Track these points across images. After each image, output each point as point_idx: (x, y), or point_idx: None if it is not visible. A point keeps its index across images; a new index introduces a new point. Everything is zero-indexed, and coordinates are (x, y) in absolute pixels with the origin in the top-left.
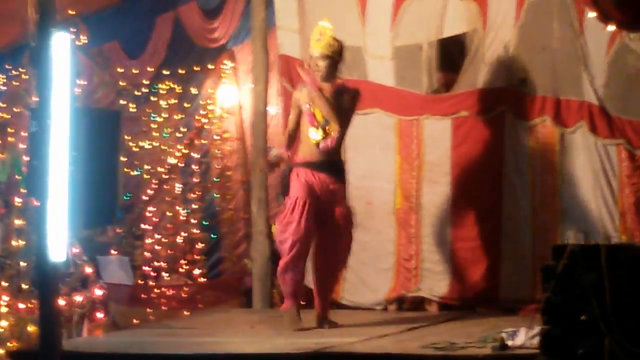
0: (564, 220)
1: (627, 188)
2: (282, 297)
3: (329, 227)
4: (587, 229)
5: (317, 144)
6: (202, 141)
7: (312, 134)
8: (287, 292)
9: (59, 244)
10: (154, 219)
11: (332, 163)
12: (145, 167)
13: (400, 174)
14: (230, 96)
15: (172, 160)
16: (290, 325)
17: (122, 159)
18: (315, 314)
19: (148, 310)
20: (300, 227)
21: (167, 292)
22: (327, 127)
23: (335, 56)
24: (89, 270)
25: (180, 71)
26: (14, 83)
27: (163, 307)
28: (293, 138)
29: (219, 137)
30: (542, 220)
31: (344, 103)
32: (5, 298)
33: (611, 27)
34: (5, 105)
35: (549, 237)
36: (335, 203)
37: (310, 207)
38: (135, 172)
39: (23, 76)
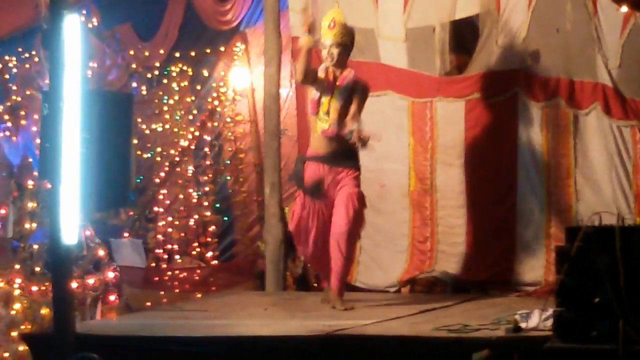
0: (579, 202)
1: None
2: (296, 279)
3: (337, 209)
4: (601, 210)
5: (324, 133)
6: (214, 124)
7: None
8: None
9: (72, 226)
10: (167, 201)
11: (341, 151)
12: (158, 149)
13: (413, 156)
14: (243, 78)
15: (184, 143)
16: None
17: (134, 141)
18: (329, 294)
19: (161, 292)
20: (318, 231)
21: (180, 275)
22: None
23: (348, 43)
24: (101, 253)
25: (192, 53)
26: (26, 66)
27: (176, 290)
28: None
29: (231, 120)
30: (557, 202)
31: (358, 97)
32: (18, 281)
33: (624, 8)
34: (17, 88)
35: (563, 219)
36: (343, 187)
37: (322, 211)
38: (148, 155)
39: (35, 59)
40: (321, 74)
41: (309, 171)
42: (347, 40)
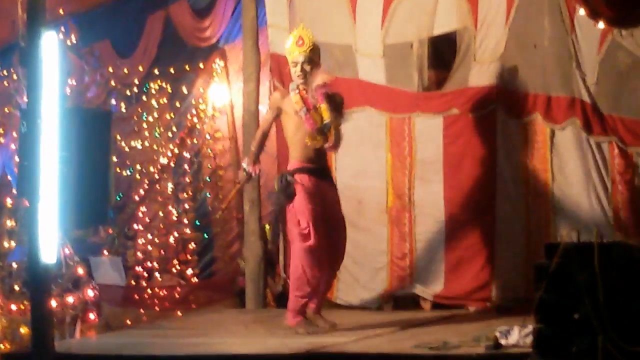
0: (557, 218)
1: (620, 185)
2: (276, 297)
3: (339, 232)
4: (580, 226)
5: (320, 147)
6: (194, 141)
7: (313, 138)
8: (300, 308)
9: (51, 244)
10: (146, 219)
11: (326, 167)
12: (137, 167)
13: (392, 172)
14: (222, 95)
15: (163, 160)
16: (307, 331)
17: (114, 159)
18: (308, 312)
19: (141, 311)
20: (323, 242)
21: (160, 293)
22: (327, 132)
23: (317, 59)
24: (80, 271)
25: (171, 70)
26: (4, 83)
27: (156, 308)
28: (265, 139)
29: (210, 137)
30: (535, 218)
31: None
32: None
33: (601, 24)
34: None
35: (541, 234)
36: (338, 209)
37: (324, 216)
38: (127, 172)
39: (13, 76)
40: (294, 95)
41: (306, 180)
42: (316, 56)
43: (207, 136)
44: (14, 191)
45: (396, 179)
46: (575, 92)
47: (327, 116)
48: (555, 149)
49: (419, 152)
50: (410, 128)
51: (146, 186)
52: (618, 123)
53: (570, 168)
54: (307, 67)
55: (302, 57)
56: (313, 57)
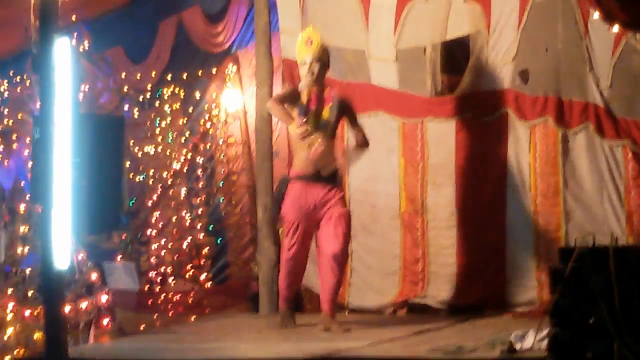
0: (568, 222)
1: (634, 189)
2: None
3: (326, 230)
4: (592, 230)
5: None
6: (207, 146)
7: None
8: (284, 295)
9: (64, 250)
10: (159, 224)
11: (326, 170)
12: (150, 172)
13: (404, 177)
14: (235, 100)
15: (176, 165)
16: (281, 324)
17: (127, 164)
18: (322, 316)
19: (154, 316)
20: (293, 248)
21: (174, 298)
22: (322, 131)
23: (326, 60)
24: (94, 276)
25: (184, 76)
26: (17, 90)
27: (169, 313)
28: (281, 105)
29: (223, 142)
30: (545, 222)
31: (350, 113)
32: (11, 305)
33: (616, 28)
34: (8, 112)
35: (552, 239)
36: (331, 207)
37: (301, 227)
38: (140, 178)
39: (26, 83)
40: (302, 93)
41: (295, 190)
42: (325, 57)
43: (220, 141)
44: (28, 197)
45: (409, 184)
46: (588, 96)
47: (327, 116)
48: (567, 153)
49: (432, 156)
50: (423, 132)
51: (159, 191)
52: (632, 127)
53: (582, 172)
54: (316, 67)
55: (311, 57)
56: (322, 57)
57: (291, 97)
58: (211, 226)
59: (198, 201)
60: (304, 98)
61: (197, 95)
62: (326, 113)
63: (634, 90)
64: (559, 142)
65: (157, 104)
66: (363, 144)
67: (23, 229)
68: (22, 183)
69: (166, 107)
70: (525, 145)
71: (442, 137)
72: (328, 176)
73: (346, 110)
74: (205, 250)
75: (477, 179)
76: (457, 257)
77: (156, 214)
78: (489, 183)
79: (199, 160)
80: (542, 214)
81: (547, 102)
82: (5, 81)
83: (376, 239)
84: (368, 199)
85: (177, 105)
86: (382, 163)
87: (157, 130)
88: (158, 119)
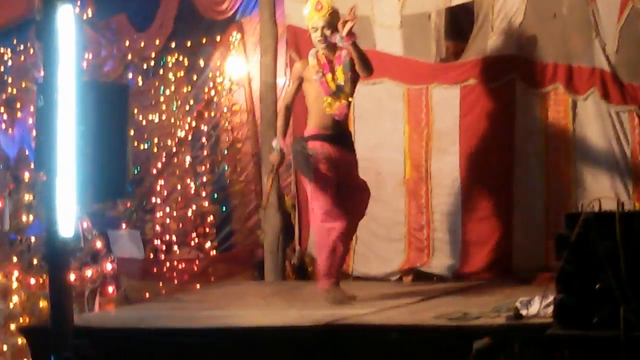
0: (578, 188)
1: None
2: (297, 270)
3: (357, 195)
4: (600, 197)
5: (333, 114)
6: (211, 114)
7: (328, 104)
8: (335, 270)
9: (69, 219)
10: (164, 192)
11: (345, 134)
12: (154, 140)
13: (409, 143)
14: (239, 68)
15: (181, 134)
16: (342, 301)
17: (131, 132)
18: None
19: (159, 284)
20: (338, 209)
21: (179, 266)
22: (340, 95)
23: (337, 24)
24: (99, 244)
25: (188, 44)
26: (21, 58)
27: (174, 281)
28: (290, 113)
29: (227, 110)
30: (555, 189)
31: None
32: (16, 274)
33: None
34: (12, 81)
35: (562, 205)
36: (353, 173)
37: (338, 183)
38: (145, 146)
39: (30, 51)
40: (312, 60)
41: (324, 148)
42: (336, 21)
43: (225, 109)
44: (32, 165)
45: (413, 151)
46: (595, 62)
47: (341, 78)
48: (577, 120)
49: (436, 122)
50: (427, 99)
51: (164, 159)
52: (638, 92)
53: (591, 138)
54: (328, 32)
55: (322, 21)
56: (332, 21)
57: (299, 79)
58: (216, 194)
59: (203, 169)
60: (313, 63)
61: (202, 63)
62: (340, 75)
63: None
64: (569, 109)
65: (161, 71)
66: (364, 62)
67: (28, 197)
68: (27, 151)
69: (170, 75)
70: (537, 113)
71: (447, 103)
72: (345, 138)
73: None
74: (210, 218)
75: (484, 146)
76: (462, 224)
77: (161, 182)
78: (496, 150)
79: (204, 128)
80: (553, 181)
81: (557, 69)
82: (9, 49)
83: (381, 206)
84: (373, 166)
85: (181, 73)
86: (387, 130)
87: (162, 98)
88: (162, 87)
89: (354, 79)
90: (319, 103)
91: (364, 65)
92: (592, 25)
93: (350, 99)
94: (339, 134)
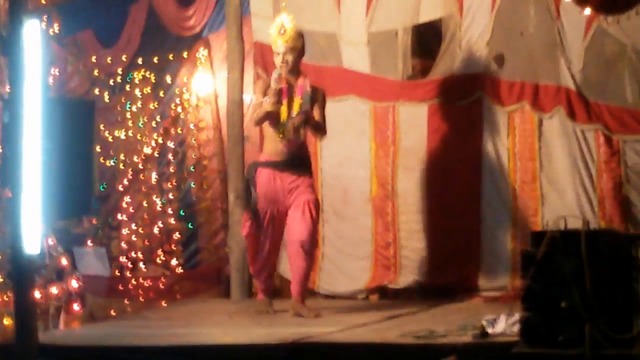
0: (543, 206)
1: (605, 173)
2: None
3: (293, 216)
4: (566, 215)
5: (282, 141)
6: (178, 130)
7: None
8: (261, 288)
9: (34, 235)
10: (130, 209)
11: (296, 158)
12: (121, 157)
13: (375, 161)
14: (206, 84)
15: (147, 150)
16: (258, 311)
17: (97, 149)
18: (292, 302)
19: (125, 301)
20: (266, 236)
21: (145, 283)
22: (290, 124)
23: (300, 48)
24: (64, 261)
25: (154, 60)
26: None
27: (140, 299)
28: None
29: (194, 126)
30: (522, 207)
31: (319, 104)
32: None
33: (587, 11)
34: None
35: (529, 223)
36: (299, 194)
37: (269, 215)
38: (111, 162)
39: None
40: (273, 83)
41: (262, 177)
42: (299, 44)
43: (192, 126)
44: None
45: (380, 168)
46: (561, 80)
47: (296, 110)
48: (543, 138)
49: (403, 140)
50: (394, 116)
51: (130, 176)
52: (604, 110)
53: (557, 156)
54: (289, 57)
55: (284, 47)
56: (295, 46)
57: (263, 95)
58: (182, 211)
59: (169, 186)
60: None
61: (168, 79)
62: (296, 106)
63: (605, 73)
64: (535, 127)
65: (127, 87)
66: (317, 129)
67: None
68: None
69: (137, 91)
70: (504, 131)
71: (414, 121)
72: (297, 163)
73: (317, 100)
74: (177, 235)
75: (450, 164)
76: (428, 242)
77: (127, 198)
78: (463, 167)
79: (170, 144)
80: (520, 198)
81: (524, 87)
82: None
83: (348, 223)
84: (340, 184)
85: (147, 89)
86: (354, 147)
87: (128, 115)
88: (129, 103)
89: (308, 114)
90: (272, 129)
91: (317, 132)
92: (557, 44)
93: (301, 131)
94: (290, 159)
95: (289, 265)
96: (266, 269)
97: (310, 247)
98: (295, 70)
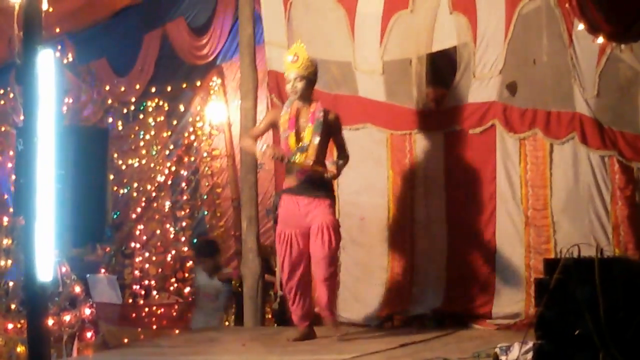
0: (557, 234)
1: (620, 200)
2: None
3: (313, 239)
4: (580, 242)
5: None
6: (191, 158)
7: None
8: (300, 315)
9: (47, 263)
10: (143, 237)
11: (312, 181)
12: (134, 185)
13: (393, 188)
14: (219, 113)
15: (160, 178)
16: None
17: (111, 177)
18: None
19: (138, 329)
20: (292, 261)
21: (157, 311)
22: (303, 154)
23: (312, 76)
24: (78, 289)
25: (168, 88)
26: (0, 102)
27: (153, 326)
28: (255, 140)
29: (207, 155)
30: (535, 234)
31: (337, 130)
32: None
33: (600, 39)
34: None
35: (542, 250)
36: (315, 217)
37: (287, 236)
38: (124, 190)
39: (10, 95)
40: (284, 113)
41: (284, 203)
42: (310, 73)
43: (205, 154)
44: (11, 210)
45: (397, 196)
46: (576, 106)
47: (308, 139)
48: (555, 165)
49: (420, 168)
50: (411, 145)
51: (143, 204)
52: (619, 137)
53: (570, 183)
54: (299, 85)
55: (294, 74)
56: (306, 75)
57: (271, 122)
58: (195, 239)
59: (182, 214)
60: (284, 118)
61: (182, 107)
62: (307, 135)
63: (620, 100)
64: (547, 154)
65: (141, 116)
66: (341, 166)
67: (6, 241)
68: (5, 196)
69: (150, 120)
70: (516, 158)
71: (431, 149)
72: (313, 186)
73: (333, 126)
74: (190, 263)
75: (466, 191)
76: (445, 270)
77: (140, 226)
78: (479, 195)
79: (183, 173)
80: (532, 226)
81: (536, 114)
82: None
83: (364, 250)
84: (357, 211)
85: (161, 118)
86: (371, 175)
87: (141, 143)
88: (142, 131)
89: (323, 141)
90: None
91: (345, 165)
92: (571, 71)
93: (312, 159)
94: (305, 182)
95: (316, 292)
96: (297, 290)
97: (333, 266)
98: (306, 98)
